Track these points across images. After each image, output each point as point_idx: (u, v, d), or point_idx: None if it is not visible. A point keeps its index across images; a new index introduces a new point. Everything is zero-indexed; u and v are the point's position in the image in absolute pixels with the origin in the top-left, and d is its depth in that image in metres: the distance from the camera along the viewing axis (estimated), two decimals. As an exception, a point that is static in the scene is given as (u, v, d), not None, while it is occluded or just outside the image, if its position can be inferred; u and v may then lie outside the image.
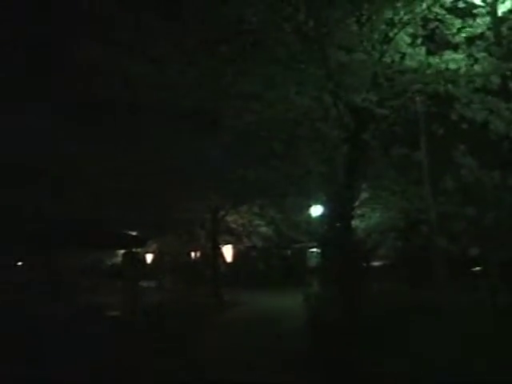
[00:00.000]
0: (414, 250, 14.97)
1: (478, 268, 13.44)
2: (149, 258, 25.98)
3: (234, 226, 20.80)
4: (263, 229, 20.79)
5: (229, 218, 19.97)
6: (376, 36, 7.28)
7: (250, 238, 21.41)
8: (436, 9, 7.15)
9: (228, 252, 22.63)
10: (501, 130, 7.06)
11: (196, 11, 7.04)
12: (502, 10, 7.10)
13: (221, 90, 7.66)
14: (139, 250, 17.96)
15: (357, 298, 8.92)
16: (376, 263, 18.86)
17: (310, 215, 17.73)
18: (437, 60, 7.39)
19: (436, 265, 10.44)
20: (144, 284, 18.00)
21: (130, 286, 13.25)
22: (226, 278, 22.10)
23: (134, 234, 16.23)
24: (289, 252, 26.89)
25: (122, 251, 15.10)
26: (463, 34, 7.53)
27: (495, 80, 7.16)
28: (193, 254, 26.41)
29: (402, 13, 7.05)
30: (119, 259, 18.11)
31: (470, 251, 13.49)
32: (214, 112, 8.65)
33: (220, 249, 21.33)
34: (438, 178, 9.56)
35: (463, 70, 7.29)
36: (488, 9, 7.40)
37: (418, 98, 8.48)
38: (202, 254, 24.88)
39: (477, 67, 7.25)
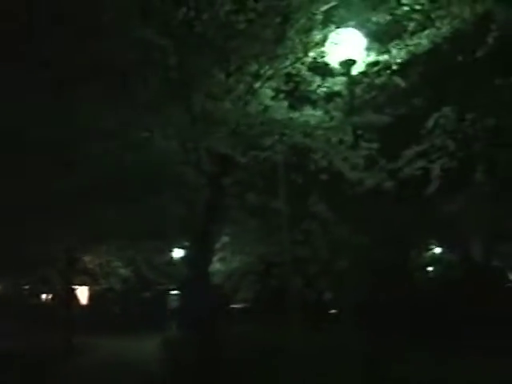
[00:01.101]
0: (272, 293, 15.31)
1: (333, 311, 14.07)
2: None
3: (90, 266, 19.87)
4: (122, 270, 20.10)
5: (85, 258, 19.06)
6: (241, 87, 7.45)
7: (107, 279, 20.57)
8: (298, 65, 7.49)
9: (83, 294, 21.50)
10: (353, 177, 7.49)
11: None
12: (356, 70, 7.62)
13: (79, 129, 7.35)
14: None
15: (215, 341, 8.90)
16: (237, 306, 19.02)
17: (171, 257, 17.52)
18: (297, 114, 7.73)
19: (292, 307, 10.74)
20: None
21: None
22: (80, 321, 20.87)
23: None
24: (148, 294, 26.18)
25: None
26: (323, 89, 7.98)
27: (349, 133, 7.64)
28: (44, 296, 24.70)
29: (266, 67, 7.30)
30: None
31: (325, 295, 14.11)
32: (71, 152, 8.25)
33: (74, 290, 20.19)
34: (296, 225, 9.96)
35: (321, 125, 7.70)
36: (344, 70, 7.93)
37: (278, 149, 8.79)
38: (53, 296, 23.35)
39: (333, 123, 7.71)
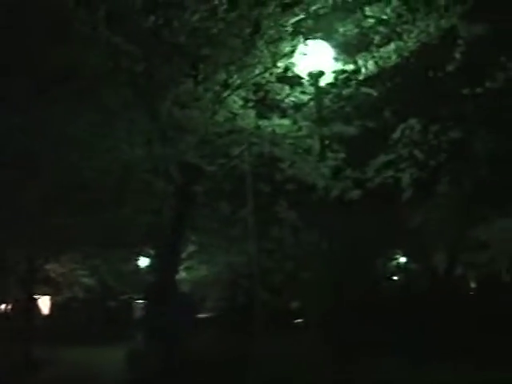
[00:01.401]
0: (239, 303, 15.27)
1: (299, 320, 14.11)
2: None
3: (53, 275, 19.43)
4: (86, 279, 19.73)
5: (48, 267, 18.63)
6: (210, 95, 7.44)
7: (71, 288, 20.15)
8: (267, 75, 7.53)
9: (45, 303, 21.00)
10: (320, 186, 7.54)
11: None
12: (325, 81, 7.70)
13: (43, 136, 7.20)
14: None
15: (178, 350, 8.84)
16: (204, 315, 18.89)
17: (137, 266, 17.30)
18: (265, 123, 7.75)
19: (257, 317, 10.72)
20: None
21: None
22: (42, 332, 20.34)
23: None
24: (113, 304, 25.76)
25: None
26: (292, 99, 8.02)
27: (316, 143, 7.70)
28: (3, 306, 24.02)
29: (235, 76, 7.31)
30: None
31: (292, 304, 14.15)
32: (35, 158, 8.07)
33: (35, 300, 19.71)
34: (263, 234, 9.96)
35: (289, 134, 7.74)
36: (312, 81, 8.00)
37: (245, 157, 8.80)
38: (13, 306, 22.73)
39: (301, 132, 7.76)
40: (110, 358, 15.35)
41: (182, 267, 12.56)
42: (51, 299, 20.90)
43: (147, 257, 16.27)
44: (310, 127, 7.77)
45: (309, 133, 7.72)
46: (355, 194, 6.90)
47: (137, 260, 18.59)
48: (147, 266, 16.85)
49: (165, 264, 10.12)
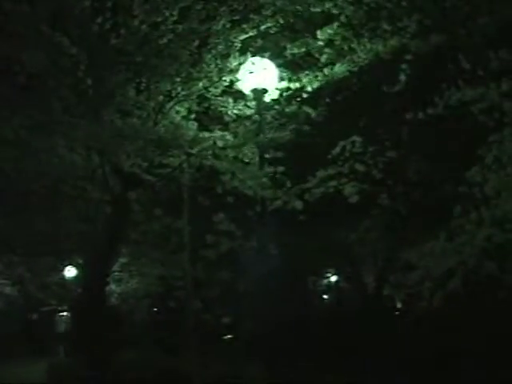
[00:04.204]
0: (169, 317, 15.03)
1: (229, 336, 14.03)
2: None
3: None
4: (7, 289, 18.82)
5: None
6: (152, 105, 7.37)
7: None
8: (212, 89, 7.54)
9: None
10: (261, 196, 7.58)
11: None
12: (270, 97, 7.79)
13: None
14: None
15: (104, 366, 8.59)
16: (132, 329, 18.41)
17: (63, 277, 16.70)
18: (206, 135, 7.74)
19: (188, 332, 10.59)
20: None
21: None
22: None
23: None
24: (35, 316, 24.65)
25: None
26: (235, 112, 8.07)
27: (254, 149, 7.76)
28: None
29: (179, 88, 7.29)
30: None
31: (223, 319, 14.07)
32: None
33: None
34: (198, 246, 9.85)
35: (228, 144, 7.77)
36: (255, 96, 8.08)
37: (185, 168, 8.73)
38: None
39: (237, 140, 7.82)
40: (31, 373, 14.63)
41: (111, 279, 12.23)
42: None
43: (75, 266, 15.72)
44: (249, 137, 7.84)
45: (246, 140, 7.79)
46: (298, 204, 6.97)
47: (63, 270, 17.95)
48: (74, 277, 16.27)
49: (94, 275, 9.82)
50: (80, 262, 14.55)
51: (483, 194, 4.57)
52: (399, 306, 14.85)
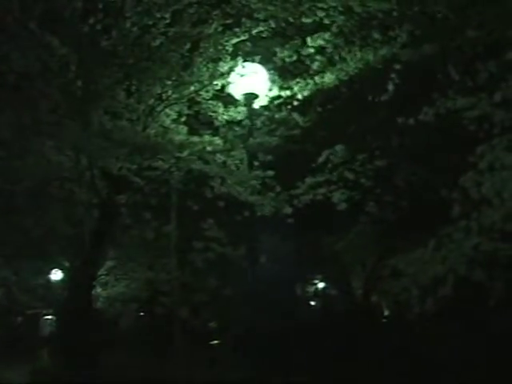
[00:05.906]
0: (157, 321, 14.93)
1: (215, 341, 13.94)
2: None
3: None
4: (-9, 291, 18.55)
5: None
6: (142, 107, 7.33)
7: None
8: (203, 93, 7.53)
9: None
10: (248, 200, 7.56)
11: None
12: (259, 104, 7.80)
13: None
14: None
15: (91, 370, 8.50)
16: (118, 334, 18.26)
17: (49, 280, 16.53)
18: (196, 139, 7.72)
19: (176, 336, 10.55)
20: None
21: None
22: None
23: None
24: (19, 319, 24.35)
25: None
26: (225, 117, 8.05)
27: (243, 153, 7.75)
28: None
29: (170, 91, 7.26)
30: None
31: (210, 324, 13.99)
32: None
33: None
34: (186, 251, 9.81)
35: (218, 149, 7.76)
36: (245, 102, 8.08)
37: (174, 173, 8.69)
38: None
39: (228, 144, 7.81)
40: (13, 378, 14.44)
41: (98, 283, 12.13)
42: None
43: (61, 269, 15.57)
44: (238, 142, 7.84)
45: (235, 145, 7.78)
46: (286, 210, 6.98)
47: (49, 273, 17.79)
48: (60, 280, 16.12)
49: (81, 278, 9.73)
50: (66, 264, 14.42)
51: (472, 201, 4.57)
52: (386, 313, 14.90)
